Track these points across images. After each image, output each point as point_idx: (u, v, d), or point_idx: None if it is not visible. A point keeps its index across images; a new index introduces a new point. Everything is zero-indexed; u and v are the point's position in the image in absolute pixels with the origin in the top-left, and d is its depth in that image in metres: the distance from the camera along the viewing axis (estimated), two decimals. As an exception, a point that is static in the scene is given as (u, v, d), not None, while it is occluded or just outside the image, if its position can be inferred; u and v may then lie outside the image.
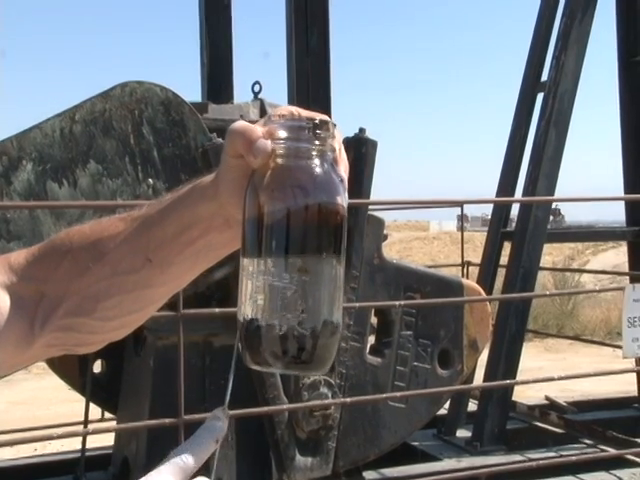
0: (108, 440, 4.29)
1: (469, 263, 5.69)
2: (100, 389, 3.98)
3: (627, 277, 5.87)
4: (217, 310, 2.96)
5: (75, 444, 4.60)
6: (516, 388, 4.89)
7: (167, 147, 3.41)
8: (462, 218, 6.37)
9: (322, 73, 3.70)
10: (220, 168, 0.79)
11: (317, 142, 0.71)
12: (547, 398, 5.43)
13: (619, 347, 4.63)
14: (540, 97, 5.08)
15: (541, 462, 3.86)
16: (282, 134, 0.72)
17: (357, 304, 3.42)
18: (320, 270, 0.70)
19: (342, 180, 0.73)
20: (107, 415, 4.35)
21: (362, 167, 3.49)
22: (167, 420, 2.94)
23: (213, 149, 3.34)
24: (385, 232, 3.84)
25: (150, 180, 3.38)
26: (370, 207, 3.78)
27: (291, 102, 3.76)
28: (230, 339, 3.62)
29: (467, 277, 5.33)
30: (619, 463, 4.06)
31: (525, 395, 5.91)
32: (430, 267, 4.73)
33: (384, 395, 3.52)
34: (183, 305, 2.83)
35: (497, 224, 5.26)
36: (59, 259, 0.87)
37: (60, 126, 3.28)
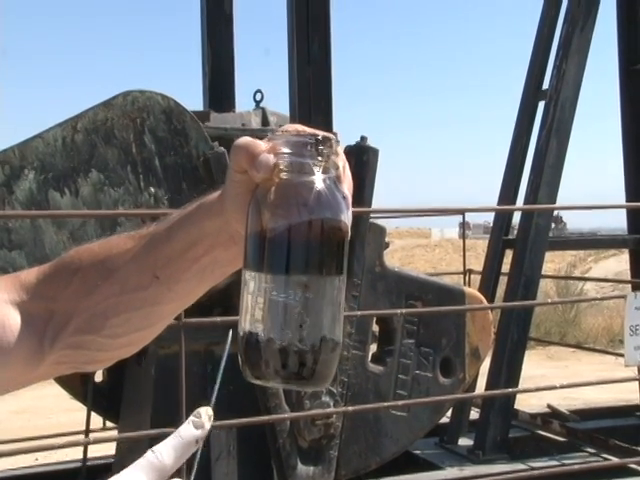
0: (109, 449, 4.28)
1: (471, 271, 5.68)
2: (102, 398, 3.98)
3: (629, 285, 5.86)
4: (219, 319, 2.96)
5: (76, 453, 4.59)
6: (518, 396, 4.88)
7: (169, 156, 3.42)
8: (464, 226, 6.36)
9: (324, 81, 3.71)
10: (226, 184, 0.79)
11: (320, 158, 0.72)
12: (549, 406, 5.42)
13: (621, 355, 4.62)
14: (541, 105, 5.09)
15: (543, 471, 3.85)
16: (285, 150, 0.72)
17: (359, 312, 3.42)
18: (322, 287, 0.70)
19: (345, 197, 0.73)
20: (109, 424, 4.34)
21: (364, 175, 3.49)
22: (169, 429, 2.94)
23: (215, 158, 3.35)
24: (387, 240, 3.84)
25: (152, 189, 3.38)
26: (372, 215, 3.78)
27: (293, 110, 3.77)
28: (232, 348, 3.62)
29: (469, 285, 5.33)
30: (622, 472, 4.05)
31: (527, 403, 5.90)
32: (432, 275, 4.73)
33: (386, 404, 3.51)
34: (185, 314, 2.83)
35: (499, 232, 5.26)
36: (69, 277, 0.88)
37: (62, 135, 3.29)
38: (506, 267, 5.13)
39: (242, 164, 0.75)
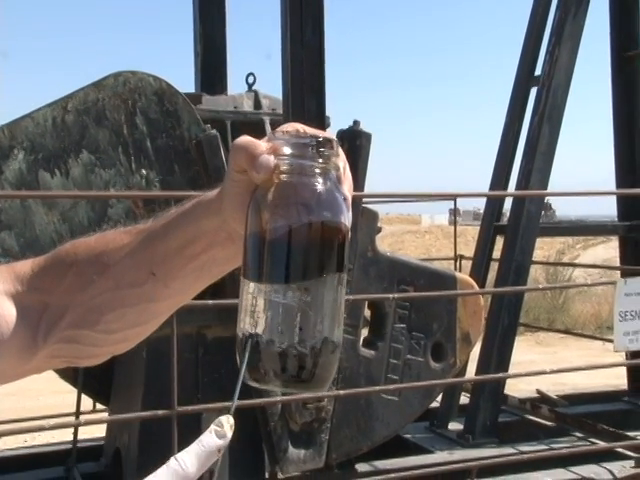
0: (100, 431, 4.28)
1: (462, 257, 5.70)
2: (92, 380, 3.97)
3: (618, 271, 5.89)
4: (210, 302, 2.95)
5: (66, 435, 4.59)
6: (508, 381, 4.90)
7: (160, 138, 3.40)
8: (455, 211, 6.36)
9: (317, 65, 3.69)
10: (224, 182, 0.78)
11: (321, 160, 0.71)
12: (538, 391, 5.45)
13: (609, 341, 4.66)
14: (534, 92, 5.08)
15: (532, 455, 3.87)
16: (286, 150, 0.71)
17: (351, 297, 3.41)
18: (322, 289, 0.69)
19: (345, 199, 0.72)
20: (99, 406, 4.34)
21: (356, 160, 3.48)
22: (160, 412, 2.94)
23: (207, 140, 3.33)
24: (379, 225, 3.84)
25: (143, 170, 3.36)
26: (364, 200, 3.77)
27: (285, 94, 3.75)
28: (223, 331, 3.62)
29: (460, 271, 5.34)
30: (609, 456, 4.08)
31: (516, 388, 5.93)
32: (423, 260, 4.73)
33: (377, 388, 3.52)
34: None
35: (490, 218, 5.26)
36: (64, 271, 0.87)
37: (52, 115, 3.26)
38: (497, 253, 5.14)
39: (242, 164, 0.74)
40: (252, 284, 0.70)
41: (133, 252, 0.85)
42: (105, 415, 4.11)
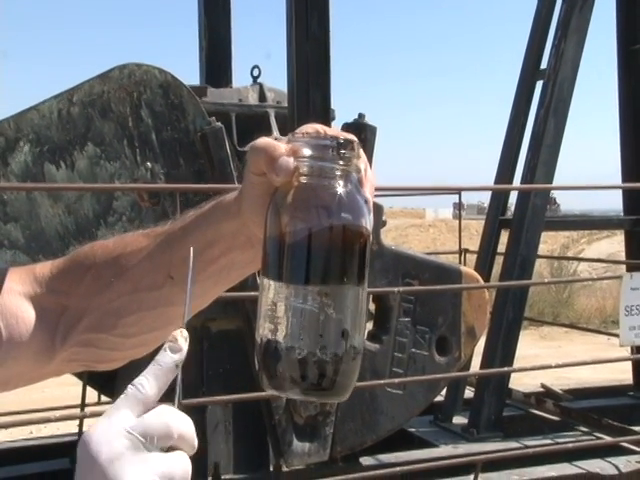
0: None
1: (466, 250, 5.69)
2: (97, 372, 3.97)
3: (623, 266, 5.87)
4: (215, 295, 2.95)
5: (71, 427, 4.60)
6: (512, 375, 4.90)
7: (166, 130, 3.39)
8: (460, 205, 6.36)
9: (322, 58, 3.67)
10: (243, 185, 0.77)
11: (341, 162, 0.69)
12: (543, 386, 5.45)
13: (614, 335, 4.64)
14: (539, 85, 5.06)
15: (537, 449, 3.87)
16: (306, 152, 0.70)
17: (355, 290, 3.41)
18: (343, 293, 0.68)
19: (367, 201, 0.71)
20: (104, 398, 4.34)
21: (361, 153, 3.47)
22: (164, 404, 2.94)
23: (212, 133, 3.33)
24: (384, 218, 3.83)
25: (148, 163, 3.36)
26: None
27: (291, 87, 3.74)
28: (228, 324, 3.61)
29: (464, 264, 5.33)
30: (614, 450, 4.08)
31: (521, 382, 5.92)
32: (428, 254, 4.73)
33: (382, 381, 3.52)
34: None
35: (495, 212, 5.25)
36: (82, 273, 0.86)
37: (58, 107, 3.26)
38: (502, 247, 5.13)
39: (261, 166, 0.72)
40: (272, 289, 0.68)
41: (151, 255, 0.84)
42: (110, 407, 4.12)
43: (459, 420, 4.70)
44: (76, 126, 3.26)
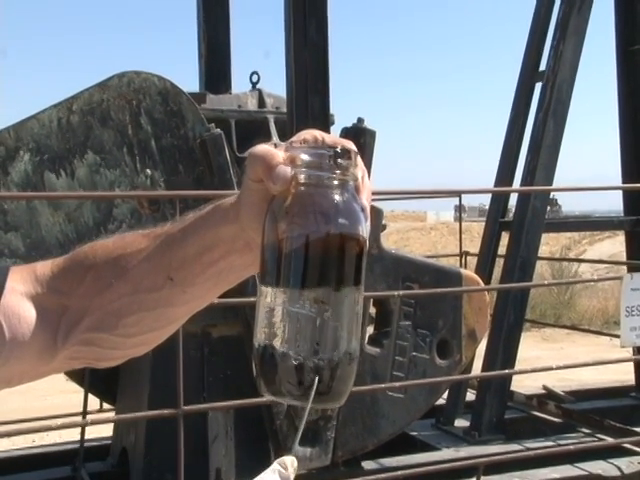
0: (107, 431, 4.29)
1: (467, 253, 5.69)
2: (98, 380, 3.98)
3: (624, 266, 5.87)
4: (215, 301, 2.96)
5: (73, 435, 4.61)
6: (514, 378, 4.90)
7: (165, 137, 3.40)
8: (460, 208, 6.36)
9: (321, 63, 3.68)
10: (241, 191, 0.78)
11: (338, 171, 0.70)
12: (545, 388, 5.44)
13: (616, 336, 4.64)
14: (538, 87, 5.07)
15: (539, 451, 3.87)
16: (303, 161, 0.71)
17: (356, 294, 3.41)
18: (339, 300, 0.69)
19: (364, 209, 0.72)
20: (105, 406, 4.35)
21: (361, 157, 3.47)
22: (166, 411, 2.94)
23: (211, 139, 3.33)
24: (383, 222, 3.84)
25: (148, 171, 3.37)
26: (368, 197, 3.76)
27: (290, 93, 3.75)
28: (229, 330, 3.62)
29: (465, 267, 5.33)
30: (616, 452, 4.07)
31: (523, 385, 5.92)
32: (429, 257, 4.73)
33: (383, 385, 3.52)
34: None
35: (495, 214, 5.25)
36: (83, 274, 0.87)
37: (57, 116, 3.27)
38: (502, 249, 5.14)
39: (258, 174, 0.73)
40: (269, 294, 0.69)
41: (151, 256, 0.85)
42: (112, 415, 4.12)
43: (461, 423, 4.70)
44: (76, 134, 3.28)
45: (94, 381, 3.93)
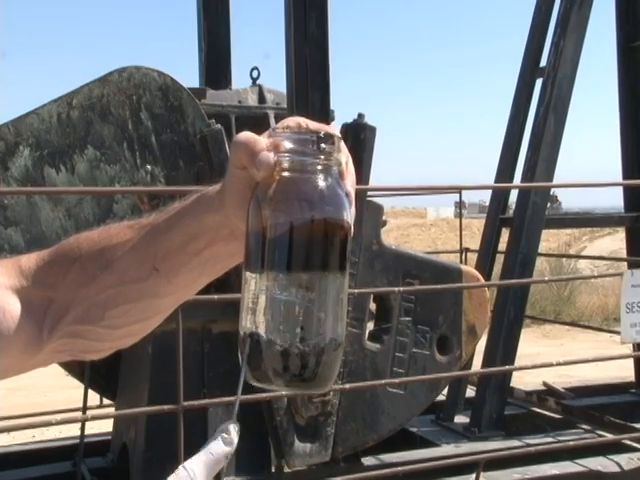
0: (107, 426, 4.29)
1: (467, 249, 5.69)
2: (98, 376, 3.98)
3: (625, 263, 5.87)
4: (216, 297, 2.96)
5: (73, 431, 4.61)
6: (514, 374, 4.90)
7: (165, 133, 3.40)
8: (460, 204, 6.36)
9: (321, 58, 3.68)
10: (226, 179, 0.78)
11: (322, 156, 0.70)
12: (545, 384, 5.45)
13: (616, 333, 4.65)
14: (539, 83, 5.06)
15: (539, 447, 3.87)
16: (286, 147, 0.71)
17: (356, 290, 3.41)
18: (324, 286, 0.69)
19: (348, 194, 0.72)
20: (105, 402, 4.35)
21: (361, 153, 3.48)
22: (166, 407, 2.94)
23: (212, 135, 3.33)
24: (384, 218, 3.84)
25: (148, 166, 3.37)
26: (369, 193, 3.76)
27: (290, 88, 3.74)
28: (229, 325, 3.63)
29: (465, 263, 5.33)
30: (617, 448, 4.08)
31: (523, 381, 5.93)
32: (429, 253, 4.73)
33: (383, 381, 3.52)
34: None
35: (495, 210, 5.25)
36: (68, 266, 0.87)
37: (57, 111, 3.27)
38: (502, 246, 5.13)
39: (242, 161, 0.73)
40: (253, 282, 0.69)
41: (136, 247, 0.85)
42: (112, 410, 4.13)
43: (461, 419, 4.70)
44: (76, 130, 3.27)
45: (94, 376, 3.93)
